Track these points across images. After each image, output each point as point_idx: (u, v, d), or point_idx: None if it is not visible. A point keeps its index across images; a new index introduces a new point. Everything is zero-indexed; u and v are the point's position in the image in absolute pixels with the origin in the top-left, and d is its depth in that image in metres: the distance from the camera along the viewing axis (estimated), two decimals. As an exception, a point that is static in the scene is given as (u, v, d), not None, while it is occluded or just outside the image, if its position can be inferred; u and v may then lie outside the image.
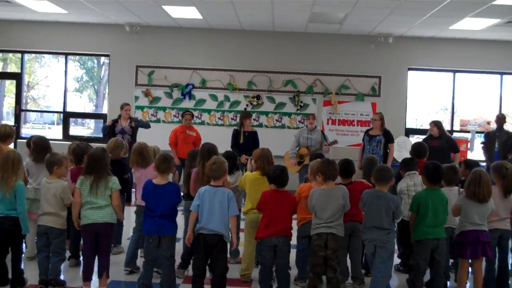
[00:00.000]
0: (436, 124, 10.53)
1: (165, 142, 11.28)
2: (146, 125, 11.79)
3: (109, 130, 11.46)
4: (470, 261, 6.12)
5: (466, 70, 14.08)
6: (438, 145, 9.94)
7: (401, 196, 6.72)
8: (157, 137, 11.58)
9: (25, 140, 8.10)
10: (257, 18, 12.43)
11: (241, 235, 6.97)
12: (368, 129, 10.87)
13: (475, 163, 7.13)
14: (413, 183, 6.72)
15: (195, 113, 13.48)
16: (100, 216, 5.75)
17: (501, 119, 11.65)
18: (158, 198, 5.83)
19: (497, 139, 11.47)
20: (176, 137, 11.39)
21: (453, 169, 6.55)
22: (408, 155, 8.00)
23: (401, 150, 12.44)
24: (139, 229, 6.66)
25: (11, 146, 7.66)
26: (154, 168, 6.07)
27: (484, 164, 10.98)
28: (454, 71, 14.04)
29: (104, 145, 6.93)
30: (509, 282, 6.57)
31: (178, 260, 6.30)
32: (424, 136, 11.04)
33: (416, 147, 7.78)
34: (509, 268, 6.70)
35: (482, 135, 14.39)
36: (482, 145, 11.96)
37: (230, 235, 5.80)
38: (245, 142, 10.93)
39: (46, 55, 18.19)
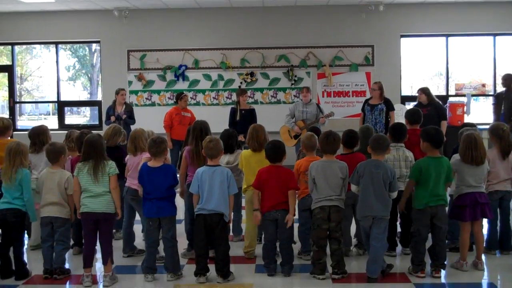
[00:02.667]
0: (424, 91, 10.44)
1: (161, 125, 11.28)
2: (131, 122, 11.65)
3: (107, 117, 11.55)
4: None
5: (458, 33, 14.02)
6: (428, 113, 9.73)
7: None
8: (152, 120, 11.62)
9: (21, 132, 8.10)
10: (246, -5, 12.35)
11: (243, 212, 6.99)
12: (367, 98, 10.82)
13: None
14: (393, 156, 6.44)
15: (190, 94, 13.48)
16: (98, 206, 5.75)
17: (506, 80, 11.42)
18: (153, 180, 5.85)
19: (504, 100, 11.29)
20: (171, 120, 11.36)
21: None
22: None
23: (397, 118, 12.42)
24: (128, 212, 6.77)
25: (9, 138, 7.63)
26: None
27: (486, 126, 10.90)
28: (447, 35, 13.98)
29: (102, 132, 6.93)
30: (512, 242, 6.62)
31: (181, 242, 6.32)
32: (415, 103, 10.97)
33: (412, 113, 7.67)
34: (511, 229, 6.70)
35: (478, 98, 14.44)
36: (493, 105, 11.80)
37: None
38: (242, 119, 10.87)
39: (37, 46, 18.06)
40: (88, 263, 5.80)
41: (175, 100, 11.86)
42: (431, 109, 10.07)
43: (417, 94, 10.72)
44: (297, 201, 6.24)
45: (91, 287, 5.72)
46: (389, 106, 10.41)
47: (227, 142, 6.70)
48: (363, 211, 5.77)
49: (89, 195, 5.76)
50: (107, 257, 5.82)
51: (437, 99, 10.55)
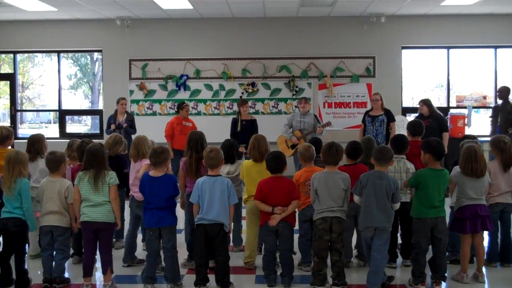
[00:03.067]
0: (426, 102, 10.41)
1: (162, 134, 11.29)
2: (132, 132, 11.69)
3: (108, 126, 11.60)
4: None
5: (459, 45, 14.04)
6: (429, 124, 9.73)
7: None
8: (154, 130, 11.63)
9: (22, 141, 8.09)
10: (248, 5, 12.38)
11: (243, 223, 6.98)
12: (368, 110, 10.81)
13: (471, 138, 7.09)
14: (394, 168, 6.41)
15: (191, 104, 13.49)
16: (98, 216, 5.75)
17: (502, 92, 11.47)
18: (154, 190, 5.85)
19: (500, 113, 11.32)
20: (172, 129, 11.36)
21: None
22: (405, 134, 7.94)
23: (398, 129, 12.42)
24: (133, 222, 6.74)
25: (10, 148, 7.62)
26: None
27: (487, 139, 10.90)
28: (448, 47, 14.00)
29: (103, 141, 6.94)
30: (512, 255, 6.60)
31: (181, 252, 6.31)
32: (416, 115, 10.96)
33: (414, 124, 7.69)
34: (512, 241, 6.69)
35: (479, 110, 14.44)
36: (491, 118, 11.82)
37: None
38: (243, 130, 10.87)
39: (38, 54, 18.08)
40: (88, 272, 5.79)
41: (176, 110, 11.88)
42: (432, 121, 10.04)
43: (418, 106, 10.71)
44: (297, 212, 6.25)
45: None
46: (390, 117, 10.40)
47: (228, 152, 6.71)
48: (365, 222, 5.75)
49: (89, 204, 5.76)
50: (107, 266, 5.81)
51: (438, 111, 10.53)
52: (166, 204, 5.85)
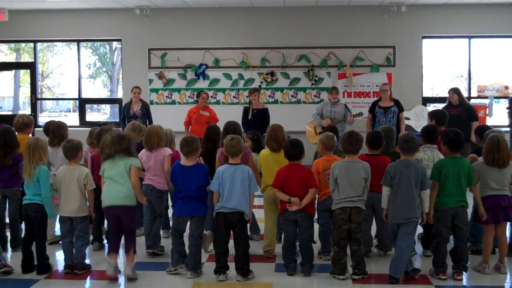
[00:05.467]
0: (456, 91, 10.27)
1: (181, 123, 11.31)
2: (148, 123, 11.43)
3: (124, 116, 11.64)
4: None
5: (481, 35, 13.88)
6: (458, 113, 9.73)
7: None
8: (173, 118, 11.64)
9: (42, 129, 8.15)
10: (267, -6, 12.34)
11: (261, 211, 6.97)
12: (376, 101, 10.73)
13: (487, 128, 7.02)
14: (428, 156, 6.44)
15: (210, 93, 13.48)
16: (119, 199, 5.78)
17: None
18: (185, 179, 5.87)
19: None
20: (189, 118, 11.36)
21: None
22: (425, 124, 7.90)
23: (418, 119, 12.37)
24: (150, 210, 6.71)
25: (30, 135, 7.70)
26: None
27: (508, 129, 10.80)
28: (470, 37, 13.84)
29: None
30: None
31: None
32: (442, 104, 10.84)
33: (438, 113, 7.64)
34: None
35: (500, 100, 14.28)
36: (508, 110, 11.69)
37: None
38: (254, 119, 10.85)
39: (58, 44, 18.22)
40: (114, 250, 5.84)
41: (195, 99, 11.86)
42: (461, 110, 9.95)
43: (438, 95, 10.62)
44: (317, 202, 6.23)
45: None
46: (400, 107, 10.39)
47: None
48: (392, 216, 5.73)
49: (109, 185, 5.82)
50: (130, 247, 5.85)
51: (467, 101, 10.41)
52: (197, 193, 5.87)
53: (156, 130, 6.72)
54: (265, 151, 6.72)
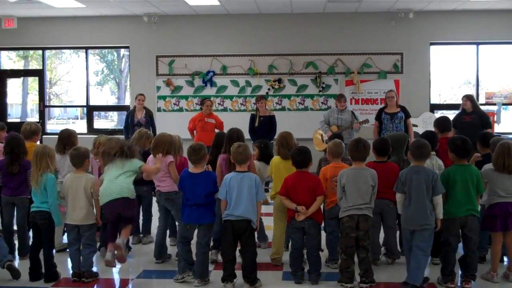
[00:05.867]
0: (469, 98, 10.13)
1: (187, 130, 11.33)
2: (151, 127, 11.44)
3: (127, 124, 11.69)
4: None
5: (489, 41, 13.83)
6: (471, 120, 9.67)
7: None
8: (180, 126, 11.62)
9: (50, 136, 8.19)
10: (275, 1, 12.35)
11: (270, 219, 6.96)
12: (382, 107, 10.71)
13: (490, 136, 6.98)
14: (426, 165, 6.19)
15: (217, 100, 13.54)
16: (116, 193, 5.77)
17: None
18: (194, 186, 5.88)
19: None
20: (194, 125, 11.37)
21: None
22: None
23: (426, 126, 12.32)
24: (163, 218, 6.73)
25: (38, 143, 7.71)
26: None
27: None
28: (477, 43, 13.80)
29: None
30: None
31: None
32: (450, 111, 10.82)
33: (441, 120, 7.62)
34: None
35: (508, 107, 14.23)
36: None
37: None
38: (260, 126, 10.87)
39: (66, 51, 18.29)
40: (111, 239, 5.84)
41: (200, 107, 11.88)
42: (475, 117, 9.82)
43: (446, 102, 10.59)
44: (323, 210, 6.21)
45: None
46: (407, 114, 10.38)
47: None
48: (405, 223, 5.68)
49: (107, 181, 5.83)
50: (127, 224, 5.84)
51: (480, 108, 10.33)
52: (205, 200, 5.87)
53: (166, 138, 6.69)
54: (277, 159, 6.71)
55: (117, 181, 5.80)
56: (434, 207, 5.62)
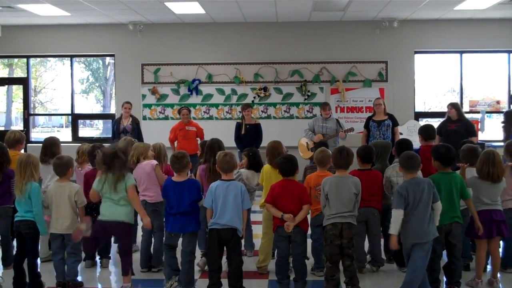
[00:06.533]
0: (454, 106, 10.16)
1: (169, 140, 11.36)
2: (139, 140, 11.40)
3: (113, 131, 11.66)
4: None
5: (473, 50, 13.94)
6: (456, 128, 9.71)
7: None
8: (166, 134, 11.58)
9: (35, 145, 8.15)
10: (260, 10, 12.38)
11: (258, 227, 6.96)
12: (370, 115, 10.77)
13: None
14: (396, 172, 6.32)
15: (203, 108, 13.53)
16: (117, 214, 5.78)
17: None
18: (177, 195, 5.87)
19: None
20: (175, 135, 11.37)
21: (474, 150, 6.45)
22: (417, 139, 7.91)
23: (411, 134, 12.38)
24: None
25: (22, 151, 7.67)
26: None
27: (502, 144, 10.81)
28: (461, 52, 13.90)
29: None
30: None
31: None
32: (435, 119, 10.89)
33: (425, 128, 7.65)
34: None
35: (492, 115, 14.35)
36: (503, 124, 11.72)
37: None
38: (246, 134, 10.88)
39: (51, 59, 18.22)
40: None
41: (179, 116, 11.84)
42: (460, 125, 9.83)
43: (431, 110, 10.66)
44: (309, 218, 6.21)
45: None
46: (395, 122, 10.44)
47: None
48: (405, 237, 5.50)
49: (108, 203, 5.80)
50: (128, 268, 5.85)
51: (465, 116, 10.37)
52: (189, 209, 5.87)
53: (137, 145, 6.86)
54: (268, 167, 6.71)
55: (119, 209, 5.79)
56: (435, 214, 5.54)
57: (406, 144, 6.76)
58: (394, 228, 5.46)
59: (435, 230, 5.52)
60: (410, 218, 5.44)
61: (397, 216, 5.44)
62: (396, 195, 5.52)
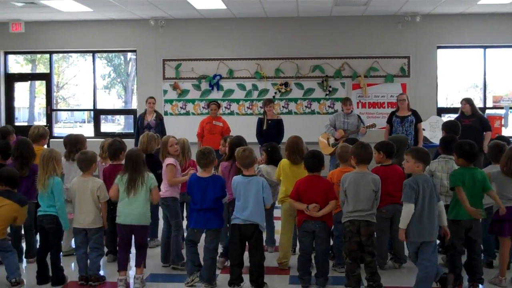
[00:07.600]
0: (468, 101, 10.23)
1: (195, 134, 11.31)
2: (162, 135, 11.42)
3: (137, 126, 11.67)
4: None
5: (496, 45, 13.78)
6: (471, 124, 9.72)
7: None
8: (187, 129, 11.62)
9: (57, 140, 8.20)
10: (282, 5, 12.35)
11: (278, 223, 6.96)
12: (394, 111, 10.73)
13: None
14: (442, 167, 6.40)
15: (224, 104, 13.53)
16: (135, 219, 5.84)
17: None
18: (202, 191, 5.87)
19: None
20: (202, 129, 11.36)
21: (498, 147, 6.40)
22: (440, 135, 7.86)
23: (433, 129, 12.28)
24: (167, 221, 6.69)
25: (45, 147, 7.73)
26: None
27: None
28: (485, 47, 13.75)
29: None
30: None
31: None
32: (456, 115, 10.80)
33: (451, 125, 7.63)
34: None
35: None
36: None
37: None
38: (268, 130, 10.84)
39: (73, 55, 18.31)
40: (124, 266, 5.90)
41: (208, 110, 11.87)
42: (474, 120, 9.90)
43: (453, 105, 10.58)
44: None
45: None
46: (418, 118, 10.41)
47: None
48: (412, 235, 5.46)
49: (126, 205, 5.85)
50: (141, 261, 5.93)
51: (479, 111, 10.35)
52: (213, 205, 5.88)
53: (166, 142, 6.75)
54: (285, 161, 6.67)
55: (137, 212, 5.86)
56: (439, 214, 5.53)
57: (451, 140, 6.67)
58: (403, 223, 5.44)
59: (436, 235, 5.57)
60: (419, 216, 5.41)
61: (408, 211, 5.42)
62: (407, 188, 5.46)
